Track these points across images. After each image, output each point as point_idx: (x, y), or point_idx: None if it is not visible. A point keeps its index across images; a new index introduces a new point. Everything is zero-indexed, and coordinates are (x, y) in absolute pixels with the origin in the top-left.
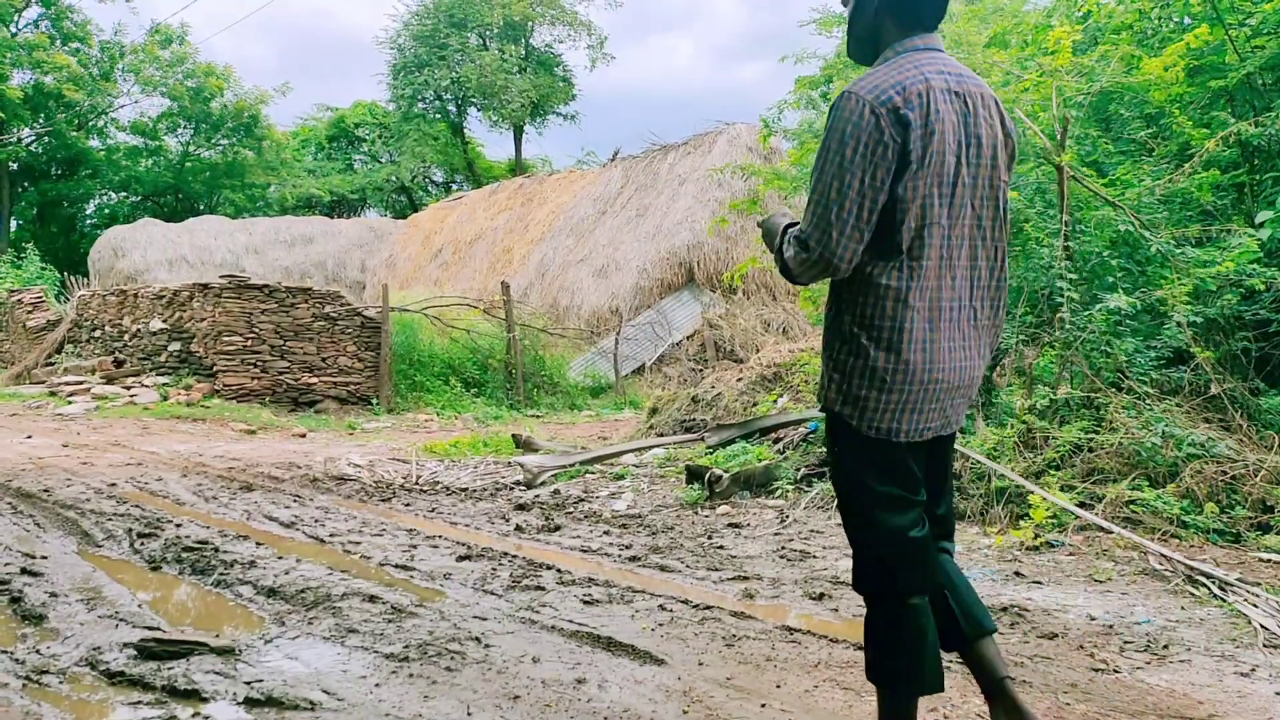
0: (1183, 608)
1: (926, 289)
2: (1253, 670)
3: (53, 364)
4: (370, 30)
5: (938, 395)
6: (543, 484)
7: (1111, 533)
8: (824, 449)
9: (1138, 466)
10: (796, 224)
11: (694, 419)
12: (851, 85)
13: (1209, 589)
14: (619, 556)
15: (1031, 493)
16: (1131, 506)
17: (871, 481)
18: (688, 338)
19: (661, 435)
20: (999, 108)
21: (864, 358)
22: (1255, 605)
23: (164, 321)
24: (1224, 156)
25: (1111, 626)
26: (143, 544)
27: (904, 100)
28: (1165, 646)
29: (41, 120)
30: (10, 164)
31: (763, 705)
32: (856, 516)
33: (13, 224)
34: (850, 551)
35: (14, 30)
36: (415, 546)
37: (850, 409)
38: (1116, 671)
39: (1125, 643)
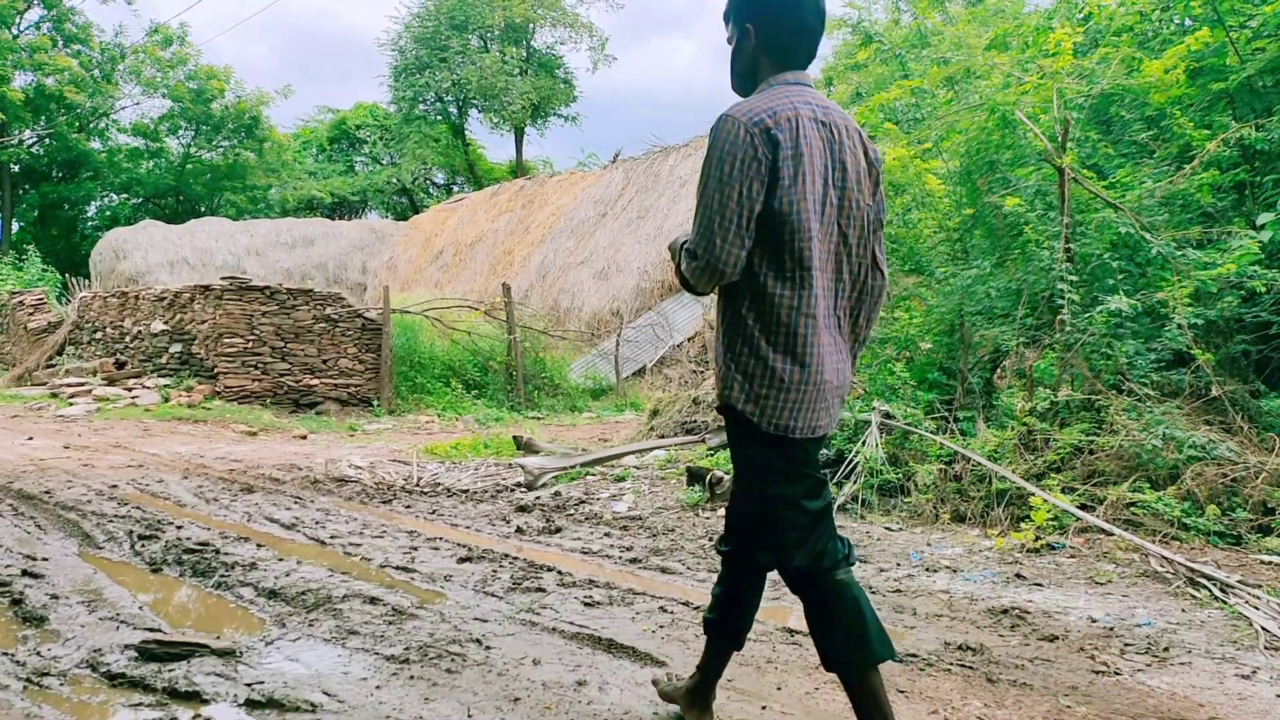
0: (1184, 610)
1: (815, 297)
2: (1254, 672)
3: (54, 366)
4: (372, 32)
5: (824, 395)
6: (543, 486)
7: (1112, 535)
8: (824, 451)
9: (1138, 469)
10: (688, 241)
11: (695, 421)
12: (728, 110)
13: (1210, 591)
14: (620, 558)
15: (1032, 495)
16: (1132, 509)
17: (769, 474)
18: (689, 339)
19: (662, 437)
20: (862, 138)
21: (765, 361)
22: (1256, 607)
23: (165, 323)
24: (1225, 159)
25: (1112, 629)
26: (144, 546)
27: (774, 122)
28: (1166, 649)
29: (43, 122)
30: (12, 166)
31: (763, 707)
32: (752, 501)
33: (14, 226)
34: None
35: (15, 32)
36: (416, 548)
37: (753, 407)
38: (1117, 674)
39: (1126, 645)
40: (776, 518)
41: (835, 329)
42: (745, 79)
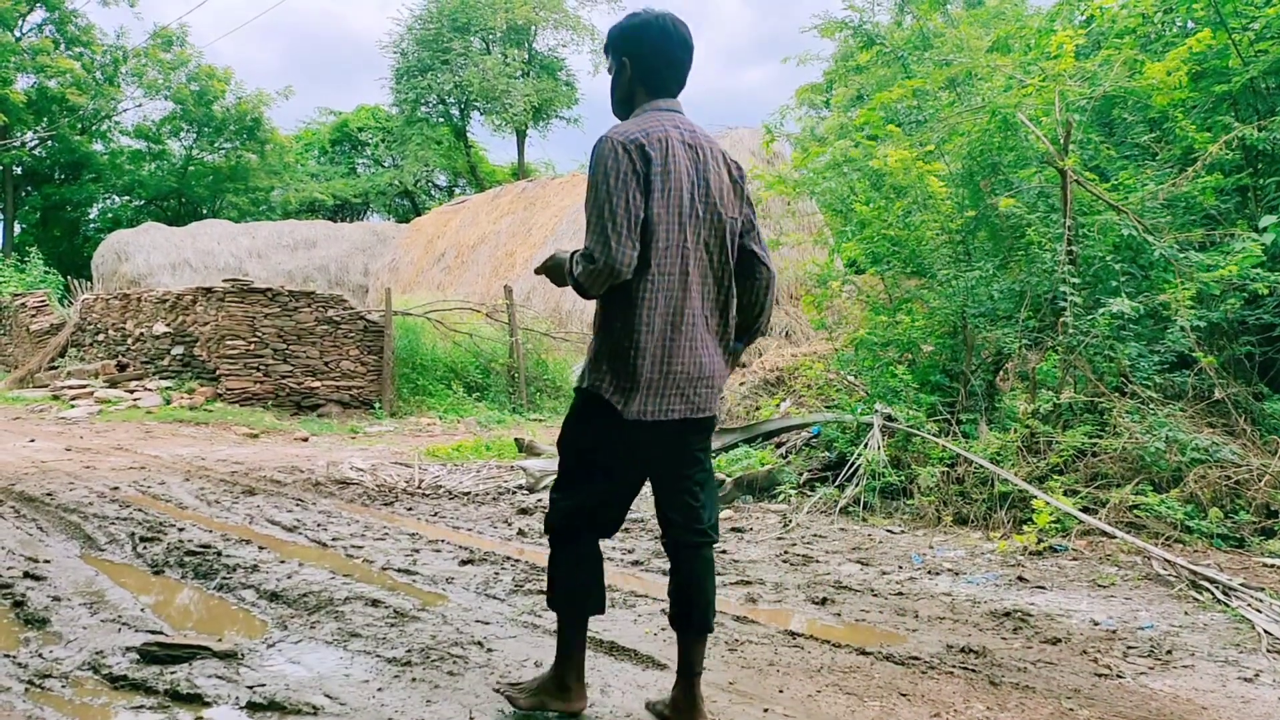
0: (1186, 613)
1: (671, 297)
2: (1256, 676)
3: (56, 368)
4: (375, 34)
5: (678, 384)
6: (545, 488)
7: (1115, 538)
8: (826, 453)
9: (1141, 471)
10: (579, 250)
11: None
12: (607, 132)
13: (1213, 594)
14: (622, 560)
15: (1035, 497)
16: (1135, 511)
17: (600, 453)
18: None
19: None
20: (725, 158)
21: (625, 351)
22: (1259, 610)
23: (167, 325)
24: (1227, 161)
25: (1115, 632)
26: (145, 548)
27: (648, 141)
28: (1169, 652)
29: (45, 124)
30: (14, 168)
31: (765, 710)
32: (578, 477)
33: (16, 228)
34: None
35: (18, 34)
36: (418, 551)
37: (615, 395)
38: (1120, 677)
39: (1129, 648)
40: (593, 490)
41: (703, 326)
42: (624, 105)
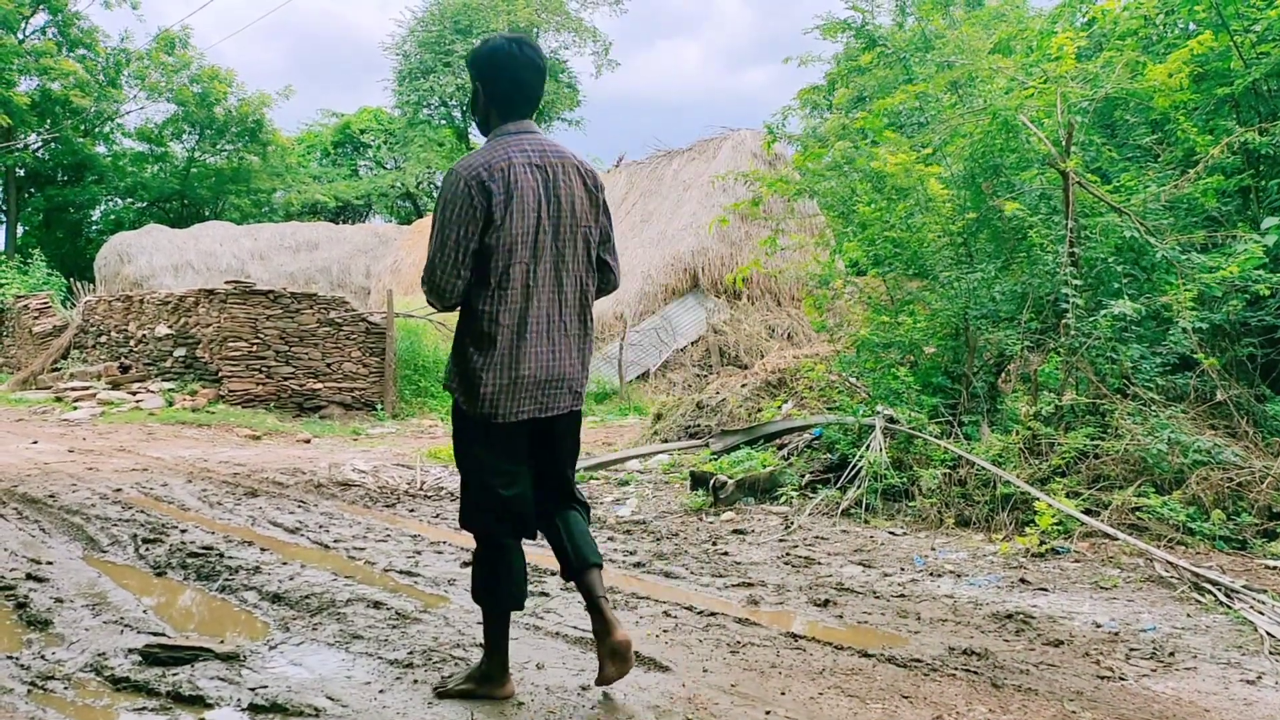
0: (1189, 615)
1: (514, 310)
2: (1259, 677)
3: (59, 369)
4: (378, 34)
5: (527, 387)
6: None
7: (1117, 539)
8: (828, 455)
9: (1144, 473)
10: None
11: (699, 425)
12: (454, 165)
13: (1215, 596)
14: (623, 562)
15: (1037, 499)
16: (1137, 513)
17: (479, 451)
18: (692, 343)
19: (666, 441)
20: (580, 172)
21: (471, 360)
22: (1261, 612)
23: (170, 327)
24: (1229, 163)
25: (1117, 634)
26: (148, 549)
27: (489, 175)
28: (1171, 654)
29: (48, 126)
30: (17, 170)
31: (767, 712)
32: (467, 477)
33: (19, 229)
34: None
35: (21, 37)
36: (420, 552)
37: (465, 397)
38: (1122, 679)
39: (1131, 650)
40: (480, 487)
41: (559, 332)
42: (483, 125)
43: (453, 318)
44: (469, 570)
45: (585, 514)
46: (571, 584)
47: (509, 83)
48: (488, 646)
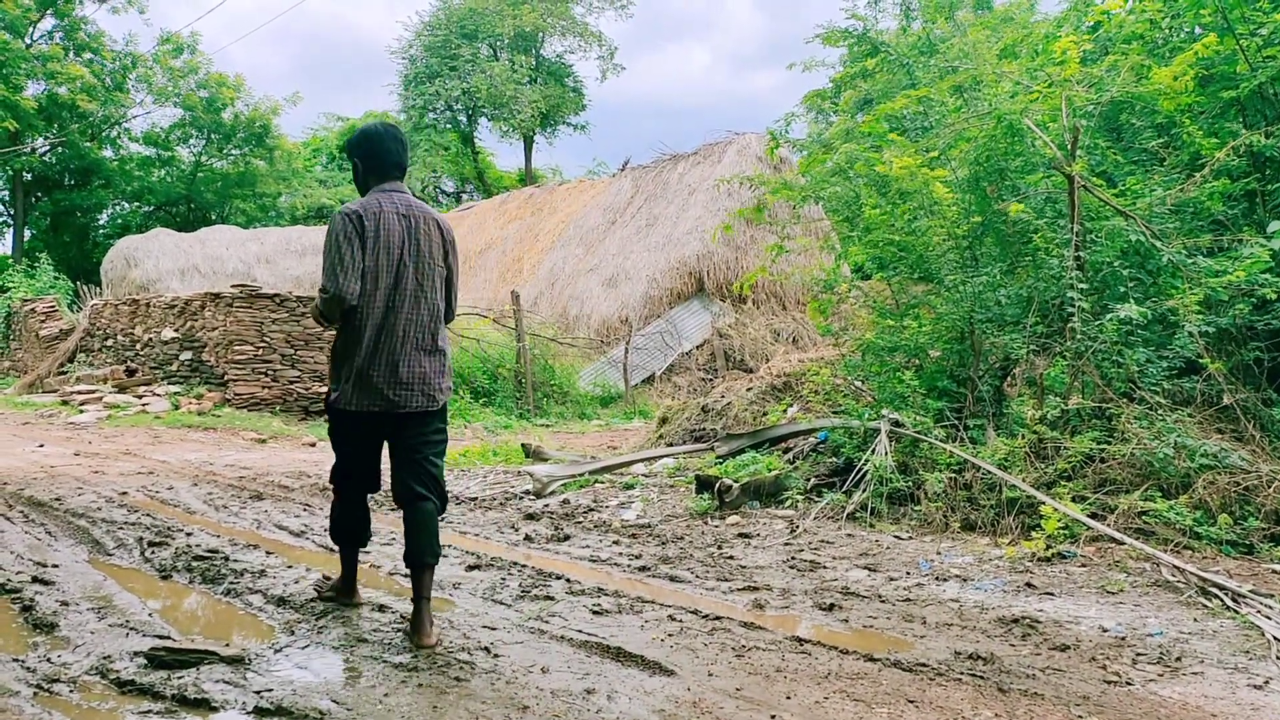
0: (1195, 620)
1: (375, 325)
2: (1266, 682)
3: (65, 373)
4: (386, 38)
5: (378, 386)
6: (552, 493)
7: (1124, 544)
8: (833, 459)
9: (1150, 477)
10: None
11: (704, 428)
12: (340, 207)
13: (1222, 601)
14: (628, 566)
15: (1043, 503)
16: (1144, 517)
17: (338, 432)
18: (697, 347)
19: (671, 445)
20: (439, 225)
21: (338, 362)
22: (1269, 617)
23: (176, 331)
24: (1235, 167)
25: (1124, 638)
26: (153, 552)
27: (364, 214)
28: (1178, 659)
29: (55, 130)
30: (25, 174)
31: (772, 717)
32: (334, 449)
33: (26, 233)
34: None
35: (29, 41)
36: None
37: (334, 391)
38: (1129, 684)
39: (1138, 655)
40: (347, 460)
41: (413, 345)
42: (362, 188)
43: (458, 323)
44: (473, 573)
45: (440, 505)
46: (575, 591)
47: (380, 155)
48: (344, 572)
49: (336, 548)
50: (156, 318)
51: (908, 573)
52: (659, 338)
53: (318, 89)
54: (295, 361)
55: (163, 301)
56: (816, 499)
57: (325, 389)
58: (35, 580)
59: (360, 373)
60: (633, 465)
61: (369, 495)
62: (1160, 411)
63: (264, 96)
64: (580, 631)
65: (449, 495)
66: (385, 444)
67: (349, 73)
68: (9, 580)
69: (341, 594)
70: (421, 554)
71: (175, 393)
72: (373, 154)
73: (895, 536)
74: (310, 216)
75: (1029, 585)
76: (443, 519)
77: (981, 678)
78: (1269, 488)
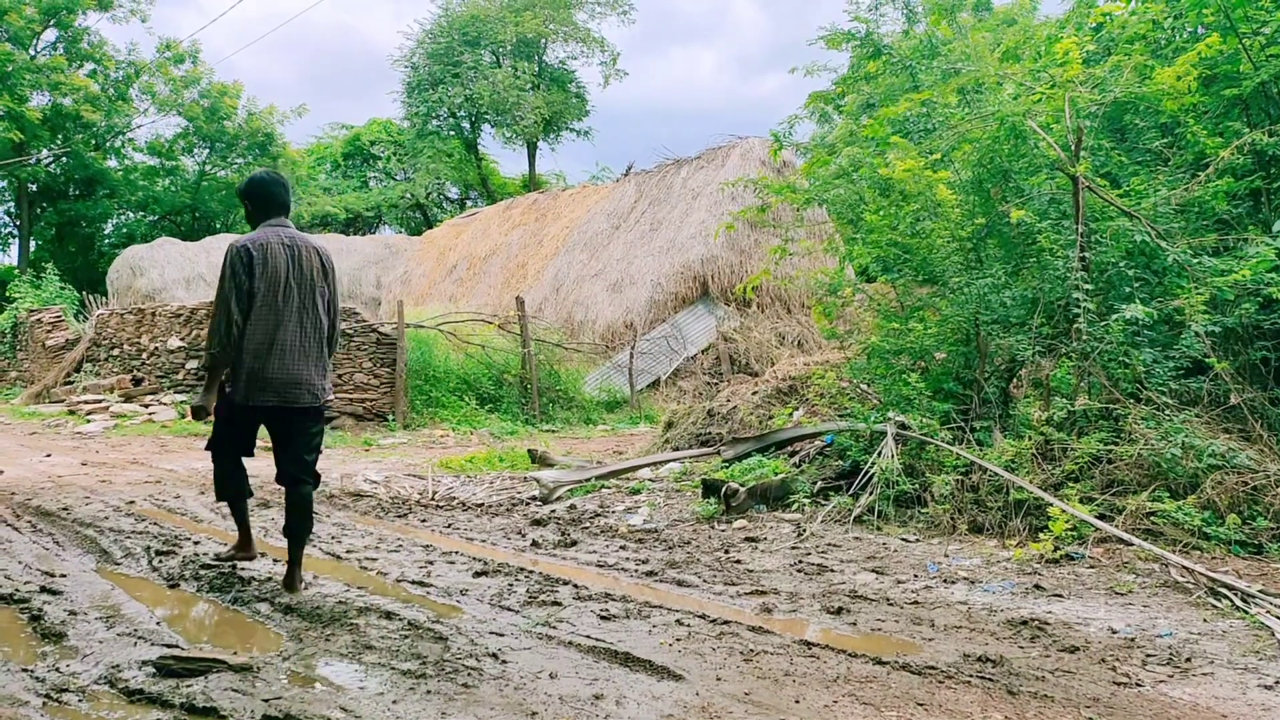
0: (1205, 620)
1: (267, 334)
2: (1276, 683)
3: (72, 383)
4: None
5: (269, 384)
6: (559, 499)
7: (1132, 545)
8: (840, 462)
9: (1158, 478)
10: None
11: (710, 433)
12: (233, 241)
13: (1231, 601)
14: (635, 571)
15: (1050, 505)
16: (1152, 518)
17: (224, 418)
18: (702, 351)
19: (677, 449)
20: (319, 253)
21: (236, 365)
22: (1278, 617)
23: (182, 339)
24: (1239, 166)
25: (1133, 639)
26: (161, 561)
27: (253, 246)
28: (1188, 659)
29: (60, 141)
30: (30, 184)
31: None
32: (216, 427)
33: (32, 244)
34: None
35: (33, 53)
36: (432, 562)
37: (231, 386)
38: (1139, 685)
39: (1147, 656)
40: (218, 452)
41: (300, 352)
42: (253, 225)
43: (464, 329)
44: (481, 580)
45: (314, 484)
46: (582, 597)
47: (266, 199)
48: (240, 528)
49: (226, 508)
50: (162, 327)
51: (915, 575)
52: (664, 342)
53: (324, 98)
54: None
55: (168, 310)
56: (823, 502)
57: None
58: (43, 590)
59: (255, 374)
60: (639, 470)
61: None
62: (1167, 412)
63: (253, 99)
64: (588, 637)
65: (456, 501)
66: (262, 426)
67: (355, 81)
68: (17, 590)
69: (241, 552)
70: (298, 531)
71: (182, 401)
72: (261, 198)
73: (902, 539)
74: (315, 225)
75: (1037, 587)
76: (427, 522)
77: (991, 680)
78: (1277, 487)
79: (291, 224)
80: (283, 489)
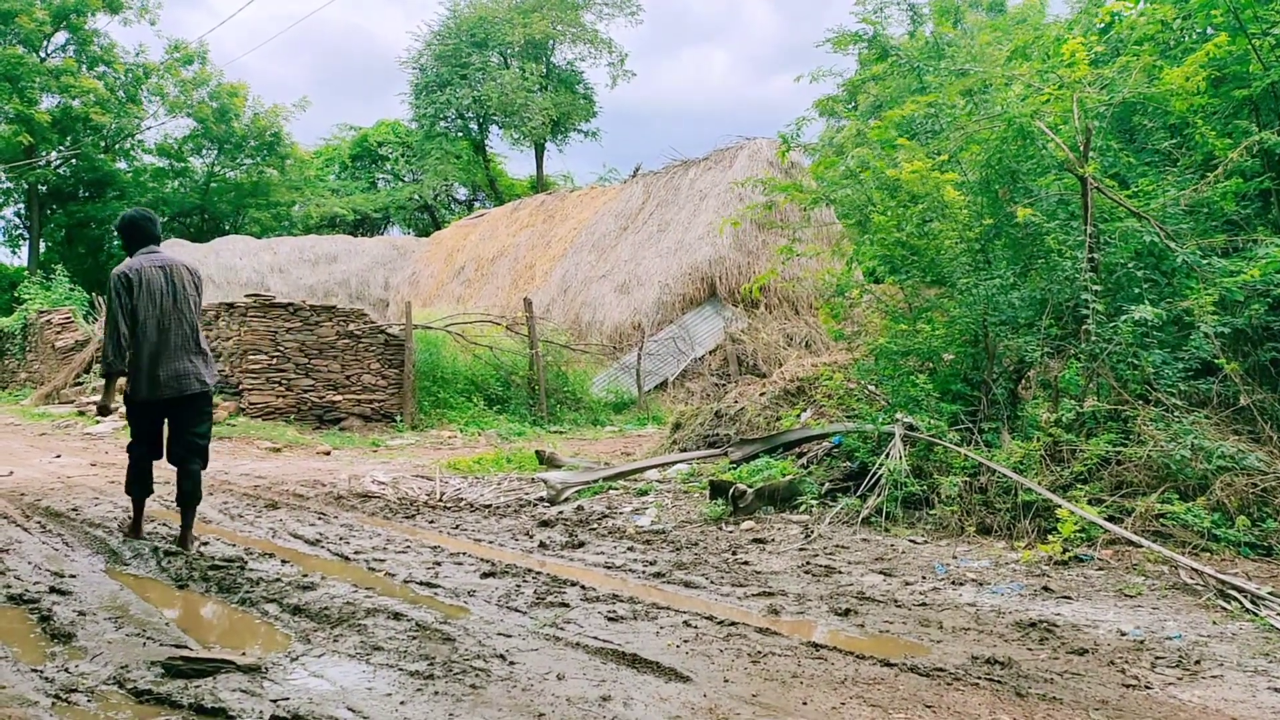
0: (1214, 622)
1: (153, 342)
2: None
3: (81, 384)
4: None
5: (158, 382)
6: (566, 500)
7: (1141, 547)
8: (848, 463)
9: (1167, 479)
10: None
11: (717, 434)
12: (115, 268)
13: (1241, 603)
14: (643, 573)
15: (1059, 506)
16: (1161, 520)
17: (134, 415)
18: (710, 353)
19: (685, 450)
20: (189, 272)
21: (132, 367)
22: None
23: None
24: (1248, 166)
25: (1142, 642)
26: (169, 562)
27: (130, 272)
28: (1197, 662)
29: (70, 143)
30: (40, 186)
31: None
32: (132, 430)
33: (42, 245)
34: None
35: (43, 55)
36: (439, 563)
37: (129, 387)
38: (1148, 688)
39: (1157, 658)
40: (140, 436)
41: (183, 352)
42: (130, 254)
43: (471, 330)
44: (489, 581)
45: (203, 464)
46: (590, 598)
47: (138, 232)
48: (135, 514)
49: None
50: None
51: (923, 577)
52: (672, 343)
53: (336, 99)
54: (309, 370)
55: None
56: (831, 504)
57: (338, 398)
58: (53, 590)
59: (151, 375)
60: (646, 471)
61: (154, 461)
62: (1176, 413)
63: (258, 99)
64: (595, 638)
65: (464, 502)
66: (165, 422)
67: (367, 82)
68: (27, 590)
69: (131, 532)
70: (188, 498)
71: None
72: (133, 231)
73: (910, 541)
74: (324, 226)
75: (1046, 589)
76: (435, 523)
77: (999, 682)
78: None
79: (160, 249)
80: (176, 469)
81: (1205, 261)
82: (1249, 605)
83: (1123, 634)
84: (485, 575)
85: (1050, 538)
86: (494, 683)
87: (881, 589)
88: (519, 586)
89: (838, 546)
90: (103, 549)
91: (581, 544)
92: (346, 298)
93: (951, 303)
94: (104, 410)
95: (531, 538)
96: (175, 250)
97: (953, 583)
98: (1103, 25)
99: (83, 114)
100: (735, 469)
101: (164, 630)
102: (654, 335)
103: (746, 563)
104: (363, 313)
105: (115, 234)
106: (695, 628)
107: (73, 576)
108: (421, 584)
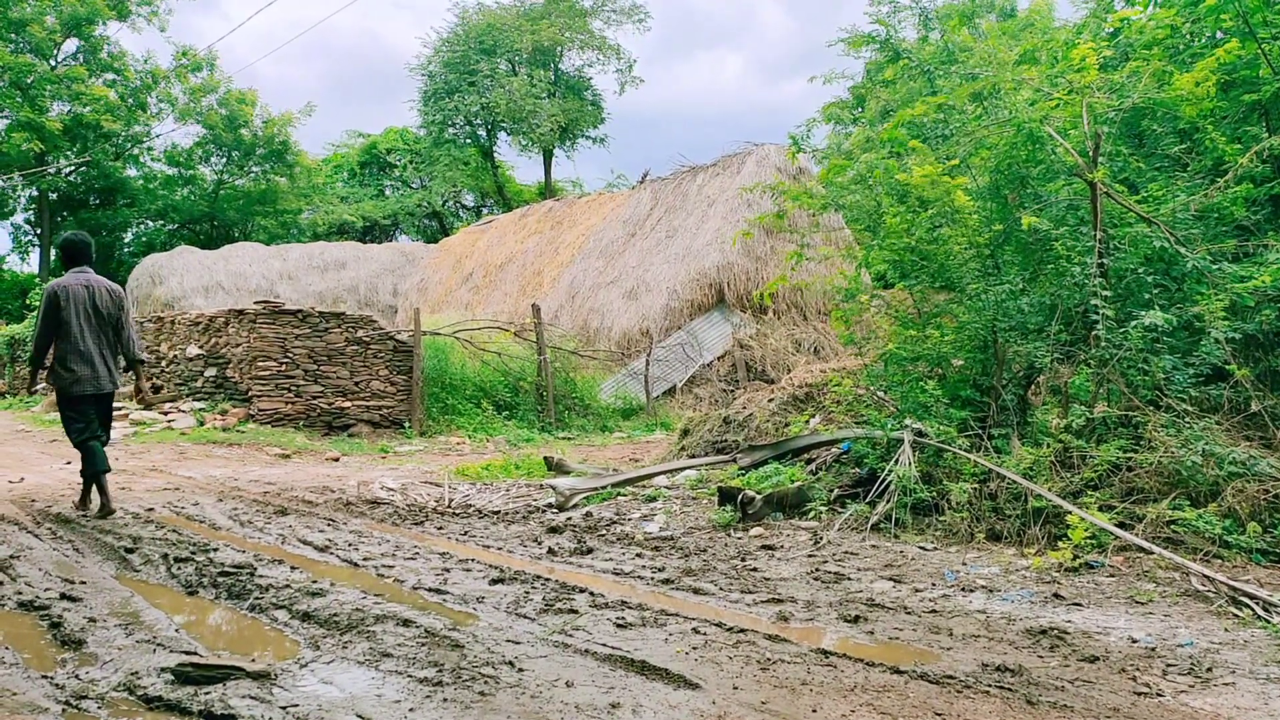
0: (1226, 629)
1: (76, 348)
2: None
3: None
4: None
5: (84, 380)
6: (575, 506)
7: (1152, 553)
8: (857, 470)
9: (1178, 486)
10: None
11: (726, 440)
12: (48, 285)
13: (1253, 610)
14: (652, 579)
15: (1069, 513)
16: (1172, 526)
17: (68, 408)
18: (718, 358)
19: (693, 457)
20: (109, 290)
21: (60, 369)
22: None
23: (200, 347)
24: (1258, 171)
25: (1154, 649)
26: (179, 568)
27: (60, 289)
28: (1209, 669)
29: (80, 150)
30: (50, 193)
31: None
32: (66, 422)
33: (52, 252)
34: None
35: (54, 63)
36: (448, 570)
37: (59, 386)
38: (1159, 695)
39: (1168, 665)
40: (72, 427)
41: (101, 358)
42: (64, 271)
43: (480, 336)
44: (497, 587)
45: (106, 440)
46: (598, 605)
47: (73, 252)
48: (84, 490)
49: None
50: (181, 335)
51: (933, 584)
52: (680, 349)
53: (347, 103)
54: (318, 377)
55: (187, 318)
56: (840, 510)
57: (346, 404)
58: (63, 597)
59: (77, 374)
60: (655, 478)
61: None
62: (1187, 419)
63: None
64: (604, 645)
65: (472, 508)
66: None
67: (379, 88)
68: (37, 597)
69: (83, 506)
70: (98, 468)
71: (200, 409)
72: (71, 251)
73: (920, 547)
74: (332, 233)
75: (1056, 596)
76: (443, 529)
77: (1010, 690)
78: None
79: (91, 270)
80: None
81: (1215, 267)
82: (1261, 612)
83: (1134, 641)
84: (494, 582)
85: (1060, 544)
86: (503, 690)
87: (891, 596)
88: (528, 593)
89: (847, 553)
90: (113, 555)
91: (590, 550)
92: (355, 304)
93: (961, 308)
94: (30, 391)
95: (540, 544)
96: (184, 257)
97: (962, 589)
98: (1112, 30)
99: (93, 121)
100: (744, 475)
101: (174, 637)
102: (662, 341)
103: (755, 569)
104: (371, 319)
105: (58, 251)
106: (704, 635)
107: (83, 583)
108: (430, 590)
